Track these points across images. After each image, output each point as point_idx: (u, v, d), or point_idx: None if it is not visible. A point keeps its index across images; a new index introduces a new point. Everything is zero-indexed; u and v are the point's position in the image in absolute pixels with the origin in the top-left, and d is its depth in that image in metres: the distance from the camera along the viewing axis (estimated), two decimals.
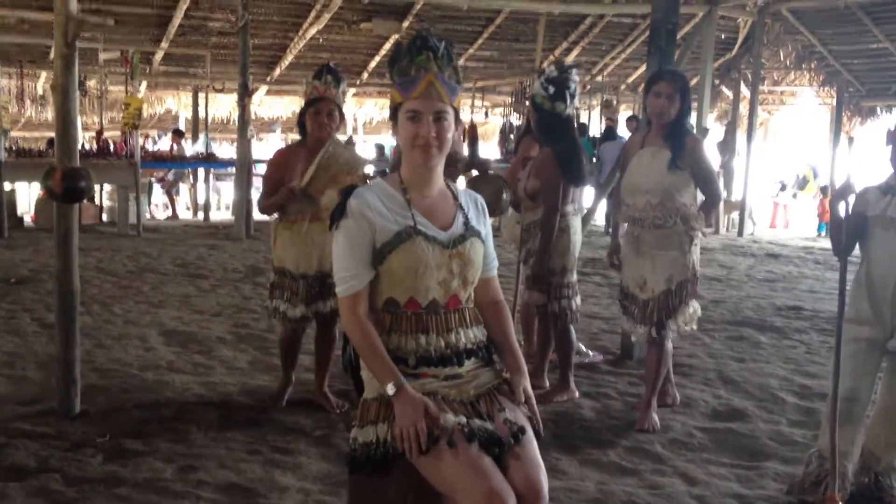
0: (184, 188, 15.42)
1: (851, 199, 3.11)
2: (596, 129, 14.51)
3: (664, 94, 4.01)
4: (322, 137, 3.98)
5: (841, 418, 3.10)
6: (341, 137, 4.43)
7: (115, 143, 11.49)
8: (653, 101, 4.05)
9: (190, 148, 14.66)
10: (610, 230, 6.22)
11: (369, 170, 10.53)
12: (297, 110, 4.23)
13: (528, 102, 4.68)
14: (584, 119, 14.52)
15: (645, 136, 4.20)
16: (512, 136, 14.31)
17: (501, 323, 2.32)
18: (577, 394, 4.50)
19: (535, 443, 2.16)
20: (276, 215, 4.10)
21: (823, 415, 3.26)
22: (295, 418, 4.02)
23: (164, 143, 15.89)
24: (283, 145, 3.75)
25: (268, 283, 4.28)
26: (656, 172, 4.01)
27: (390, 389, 2.07)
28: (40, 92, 14.41)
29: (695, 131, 4.73)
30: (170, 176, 14.29)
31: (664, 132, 4.06)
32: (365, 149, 16.95)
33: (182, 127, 16.80)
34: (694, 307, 4.10)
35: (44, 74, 14.14)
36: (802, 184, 15.97)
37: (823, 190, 14.32)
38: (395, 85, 2.17)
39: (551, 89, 4.28)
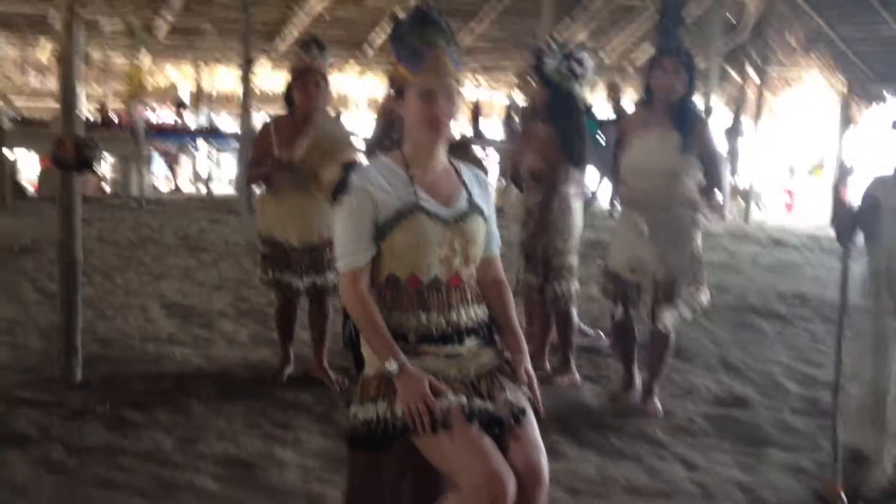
0: (186, 160, 15.35)
1: (849, 181, 3.07)
2: (600, 110, 14.41)
3: (671, 69, 3.79)
4: (310, 109, 3.99)
5: (871, 412, 3.08)
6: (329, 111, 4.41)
7: (118, 115, 11.44)
8: (659, 76, 3.83)
9: (192, 120, 14.59)
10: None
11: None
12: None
13: (536, 80, 4.59)
14: (588, 100, 14.40)
15: (646, 116, 3.96)
16: (515, 116, 14.20)
17: (502, 302, 2.30)
18: (577, 376, 4.49)
19: (535, 424, 2.14)
20: (263, 187, 4.13)
21: (849, 408, 3.17)
22: (295, 394, 4.02)
23: (166, 115, 15.79)
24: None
25: (258, 255, 4.26)
26: (666, 155, 3.82)
27: (391, 366, 2.05)
28: (44, 61, 14.28)
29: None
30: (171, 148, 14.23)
31: (671, 111, 3.84)
32: (364, 122, 16.83)
33: (185, 99, 16.69)
34: (705, 294, 4.01)
35: (45, 42, 13.99)
36: (811, 171, 15.91)
37: None
38: (402, 61, 2.14)
39: (578, 69, 4.23)
